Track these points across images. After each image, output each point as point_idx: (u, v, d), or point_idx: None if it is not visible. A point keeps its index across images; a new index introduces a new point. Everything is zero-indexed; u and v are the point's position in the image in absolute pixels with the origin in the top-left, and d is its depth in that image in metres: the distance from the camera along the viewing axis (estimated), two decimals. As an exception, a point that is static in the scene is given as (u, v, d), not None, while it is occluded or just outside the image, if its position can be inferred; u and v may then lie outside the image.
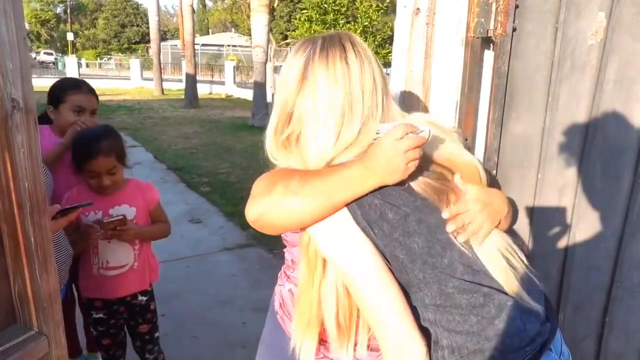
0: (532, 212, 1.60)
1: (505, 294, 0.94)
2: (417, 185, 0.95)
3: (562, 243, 1.62)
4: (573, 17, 1.44)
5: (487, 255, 0.97)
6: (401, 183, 0.92)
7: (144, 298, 1.99)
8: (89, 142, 1.79)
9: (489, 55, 1.57)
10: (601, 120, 1.53)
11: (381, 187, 0.91)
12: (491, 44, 1.52)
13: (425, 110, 1.57)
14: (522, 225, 1.61)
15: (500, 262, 0.97)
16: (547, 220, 1.61)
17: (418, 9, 1.55)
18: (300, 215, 0.91)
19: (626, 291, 1.61)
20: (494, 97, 1.50)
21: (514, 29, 1.45)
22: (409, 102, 1.60)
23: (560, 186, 1.57)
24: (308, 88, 0.95)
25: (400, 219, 0.92)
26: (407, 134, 0.86)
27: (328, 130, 0.94)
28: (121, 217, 1.79)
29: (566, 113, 1.52)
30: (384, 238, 0.93)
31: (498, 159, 1.55)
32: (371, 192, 0.91)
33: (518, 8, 1.42)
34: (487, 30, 1.46)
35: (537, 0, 1.43)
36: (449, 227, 0.94)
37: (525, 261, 1.05)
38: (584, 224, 1.60)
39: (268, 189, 0.95)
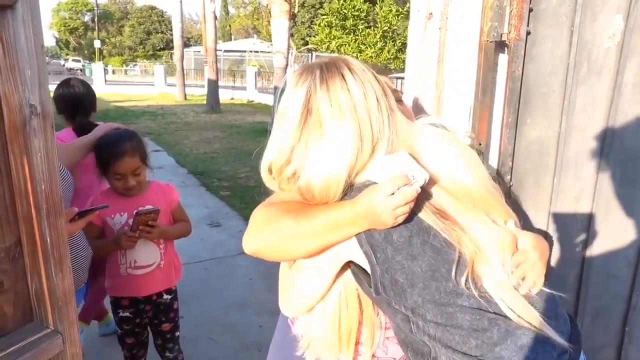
0: (548, 218, 1.57)
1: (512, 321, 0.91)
2: (422, 209, 0.94)
3: (579, 250, 1.59)
4: (589, 20, 1.42)
5: (502, 286, 0.93)
6: None
7: (169, 297, 2.03)
8: (114, 144, 1.84)
9: (503, 59, 1.55)
10: (619, 124, 1.50)
11: None
12: (505, 48, 1.50)
13: (437, 116, 1.57)
14: (537, 233, 1.58)
15: (515, 292, 0.94)
16: (564, 227, 1.58)
17: (431, 13, 1.54)
18: (296, 254, 0.98)
19: (646, 300, 1.57)
20: (508, 101, 1.49)
21: (528, 33, 1.43)
22: (420, 109, 1.60)
23: (577, 192, 1.54)
24: (313, 123, 0.94)
25: (405, 241, 0.91)
26: (399, 188, 0.86)
27: (338, 163, 0.93)
28: (157, 209, 1.83)
29: (583, 117, 1.50)
30: (385, 262, 0.92)
31: (512, 164, 1.53)
32: None
33: (532, 12, 1.41)
34: (501, 35, 1.45)
35: (551, 3, 1.42)
36: (513, 279, 0.93)
37: (544, 288, 1.00)
38: (603, 231, 1.57)
39: (265, 225, 0.98)
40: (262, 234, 0.98)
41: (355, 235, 0.93)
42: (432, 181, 0.96)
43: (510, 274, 0.93)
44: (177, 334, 2.11)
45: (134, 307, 1.97)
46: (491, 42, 1.48)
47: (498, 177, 1.55)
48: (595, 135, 1.50)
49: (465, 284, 0.89)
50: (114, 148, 1.83)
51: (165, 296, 2.02)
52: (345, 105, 0.93)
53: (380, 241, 0.92)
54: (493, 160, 1.58)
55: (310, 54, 24.86)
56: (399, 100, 1.25)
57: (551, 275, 1.60)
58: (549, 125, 1.51)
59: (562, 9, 1.41)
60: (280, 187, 1.04)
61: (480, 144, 1.58)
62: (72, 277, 1.01)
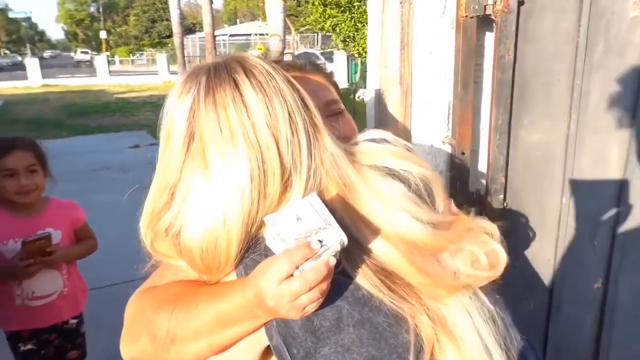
0: (556, 247, 1.20)
1: None
2: (356, 269, 0.66)
3: (598, 287, 1.22)
4: (606, -21, 1.03)
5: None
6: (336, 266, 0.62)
7: (75, 321, 1.84)
8: (3, 139, 1.67)
9: (490, 39, 1.17)
10: (650, 121, 1.12)
11: None
12: (492, 25, 1.12)
13: (405, 119, 1.19)
14: (543, 266, 1.21)
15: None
16: (576, 258, 1.22)
17: (390, -18, 1.16)
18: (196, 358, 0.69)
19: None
20: (496, 97, 1.11)
21: (521, 3, 1.06)
22: (383, 108, 1.22)
23: (594, 213, 1.18)
24: (196, 152, 0.67)
25: (332, 325, 0.64)
26: (298, 266, 0.58)
27: (227, 211, 0.65)
28: (46, 233, 1.61)
29: (599, 114, 1.15)
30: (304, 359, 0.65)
31: (506, 180, 1.16)
32: None
33: (525, -28, 1.02)
34: (485, 7, 1.08)
35: (552, -41, 1.03)
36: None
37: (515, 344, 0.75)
38: (629, 262, 1.20)
39: (137, 327, 0.72)
40: (135, 341, 0.72)
41: (265, 327, 0.67)
42: (371, 232, 0.68)
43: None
44: None
45: (36, 337, 1.75)
46: (472, 17, 1.11)
47: (486, 195, 1.18)
48: (618, 136, 1.13)
49: None
50: (2, 142, 1.64)
51: (72, 321, 1.82)
52: (237, 126, 0.64)
53: (297, 330, 0.65)
54: (481, 174, 1.21)
55: (315, 35, 24.25)
56: (334, 114, 0.89)
57: (559, 318, 1.24)
58: (553, 127, 1.15)
59: (567, -33, 1.02)
60: (154, 249, 0.73)
61: (463, 153, 1.20)
62: None
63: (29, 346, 1.74)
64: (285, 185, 0.66)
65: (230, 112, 0.64)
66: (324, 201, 0.63)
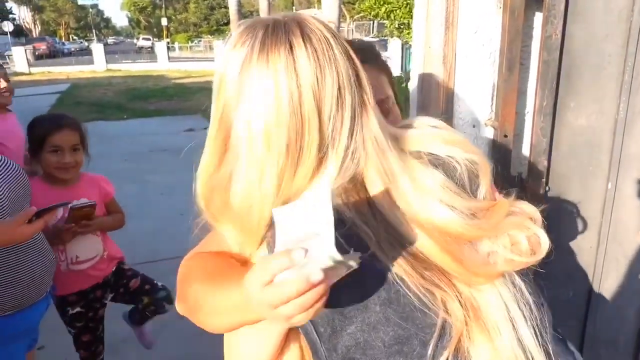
0: (599, 236, 1.17)
1: None
2: (390, 256, 0.63)
3: (643, 278, 1.18)
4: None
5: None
6: (362, 247, 0.58)
7: (111, 274, 1.94)
8: (53, 117, 1.79)
9: (538, 19, 1.14)
10: None
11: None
12: (541, 4, 1.09)
13: (447, 101, 1.19)
14: (585, 254, 1.18)
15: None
16: (620, 247, 1.17)
17: (436, -39, 1.15)
18: (213, 329, 0.73)
19: None
20: (542, 79, 1.09)
21: None
22: (427, 89, 1.22)
23: None
24: (244, 102, 0.65)
25: (359, 304, 0.62)
26: (275, 275, 0.52)
27: (262, 172, 0.65)
28: (93, 202, 1.72)
29: None
30: (332, 338, 0.63)
31: (549, 164, 1.14)
32: None
33: (577, -52, 0.99)
34: None
35: None
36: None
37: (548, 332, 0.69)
38: (679, 254, 1.15)
39: (183, 287, 0.77)
40: (181, 301, 0.78)
41: None
42: (406, 220, 0.66)
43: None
44: (149, 278, 2.02)
45: (83, 299, 1.85)
46: (519, -4, 1.07)
47: (528, 179, 1.16)
48: (671, 123, 1.07)
49: None
50: (52, 120, 1.75)
51: (110, 277, 1.94)
52: (283, 92, 0.63)
53: (326, 311, 0.62)
54: (523, 159, 1.19)
55: (371, 22, 23.95)
56: (385, 110, 0.86)
57: (600, 308, 1.21)
58: (601, 111, 1.11)
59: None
60: (207, 208, 0.73)
61: (505, 136, 1.19)
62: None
63: (77, 309, 1.85)
64: (321, 159, 0.65)
65: (280, 76, 0.63)
66: (345, 202, 0.61)
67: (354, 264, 0.52)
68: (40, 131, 1.72)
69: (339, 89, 0.65)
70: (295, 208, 0.55)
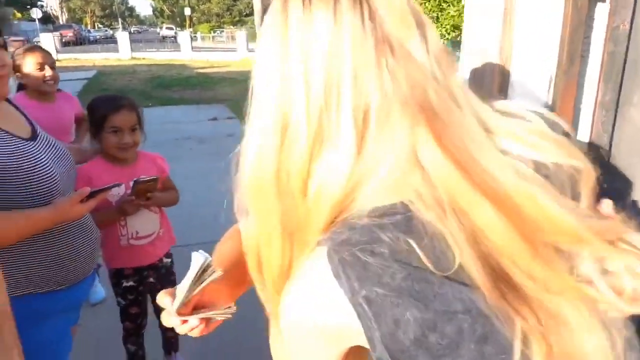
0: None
1: None
2: (473, 275, 0.48)
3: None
4: None
5: None
6: (442, 266, 0.47)
7: (168, 260, 2.01)
8: (112, 98, 1.83)
9: (601, 10, 1.09)
10: None
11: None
12: (607, -7, 1.05)
13: (502, 91, 1.15)
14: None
15: None
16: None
17: (497, -53, 1.11)
18: None
19: None
20: (606, 71, 1.04)
21: None
22: (480, 79, 1.19)
23: None
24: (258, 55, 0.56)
25: (451, 341, 0.47)
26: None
27: (258, 133, 0.55)
28: (156, 177, 1.76)
29: None
30: None
31: (609, 159, 1.09)
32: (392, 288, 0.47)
33: None
34: None
35: None
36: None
37: None
38: None
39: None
40: None
41: (366, 333, 0.50)
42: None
43: None
44: None
45: (138, 275, 1.92)
46: (585, -16, 1.03)
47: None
48: None
49: None
50: (112, 101, 1.79)
51: (165, 260, 1.99)
52: (295, 32, 0.51)
53: (408, 345, 0.48)
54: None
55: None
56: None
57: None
58: None
59: None
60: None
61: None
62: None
63: (131, 282, 1.91)
64: (314, 146, 0.52)
65: (292, 14, 0.52)
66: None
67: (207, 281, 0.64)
68: (100, 112, 1.76)
69: (351, 48, 0.52)
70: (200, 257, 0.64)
